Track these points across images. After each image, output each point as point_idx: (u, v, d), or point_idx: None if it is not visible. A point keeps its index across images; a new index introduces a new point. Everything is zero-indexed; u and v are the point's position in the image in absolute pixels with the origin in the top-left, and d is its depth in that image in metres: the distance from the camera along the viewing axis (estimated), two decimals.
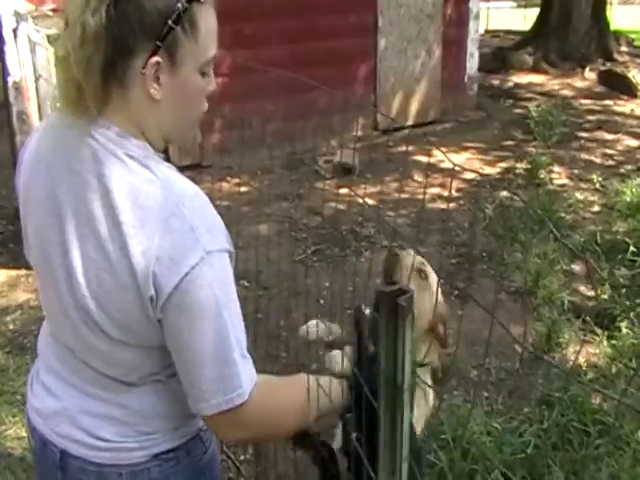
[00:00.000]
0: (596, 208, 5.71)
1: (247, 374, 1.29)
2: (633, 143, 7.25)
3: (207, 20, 1.29)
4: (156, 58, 1.24)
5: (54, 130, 1.40)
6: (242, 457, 3.15)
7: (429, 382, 1.85)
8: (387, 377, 1.05)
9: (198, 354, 1.27)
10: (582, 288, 4.62)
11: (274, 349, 3.76)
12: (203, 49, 1.29)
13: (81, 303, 1.33)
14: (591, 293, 4.54)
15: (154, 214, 1.27)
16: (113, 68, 1.24)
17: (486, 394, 3.67)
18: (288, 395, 1.40)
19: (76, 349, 1.41)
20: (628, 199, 5.54)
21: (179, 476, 1.44)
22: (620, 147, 7.14)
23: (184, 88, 1.30)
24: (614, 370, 3.83)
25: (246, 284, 4.18)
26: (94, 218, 1.30)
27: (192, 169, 5.80)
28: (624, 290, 4.46)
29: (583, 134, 7.43)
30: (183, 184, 1.33)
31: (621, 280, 4.64)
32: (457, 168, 6.41)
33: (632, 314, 4.13)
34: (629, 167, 6.53)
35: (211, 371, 1.27)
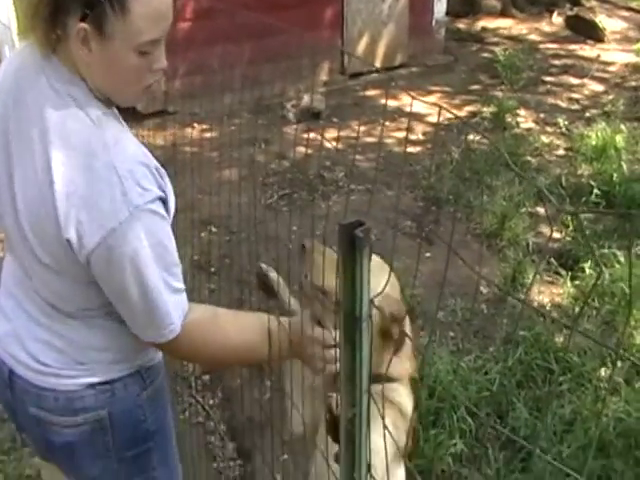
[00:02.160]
0: (561, 152, 5.70)
1: (178, 309, 1.39)
2: (598, 88, 7.21)
3: (146, 3, 1.28)
4: (83, 24, 1.27)
5: (19, 57, 1.46)
6: (211, 401, 3.13)
7: (404, 396, 1.62)
8: (346, 310, 1.02)
9: (127, 301, 1.37)
10: (546, 230, 4.62)
11: (243, 294, 3.72)
12: (137, 31, 1.29)
13: (21, 227, 1.40)
14: (555, 235, 4.55)
15: (83, 159, 1.31)
16: (55, 20, 1.29)
17: (452, 334, 3.68)
18: (229, 328, 1.48)
19: (27, 275, 1.49)
20: (593, 143, 5.53)
21: (114, 407, 1.52)
22: (586, 91, 7.11)
23: (115, 62, 1.33)
24: (577, 310, 3.85)
25: (214, 229, 4.11)
26: (32, 150, 1.35)
27: (158, 116, 5.66)
28: (587, 232, 4.48)
29: (549, 78, 7.37)
30: (117, 134, 1.35)
31: (584, 222, 4.65)
32: (422, 112, 6.36)
33: (596, 255, 4.15)
34: (594, 111, 6.50)
35: (141, 315, 1.39)
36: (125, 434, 1.54)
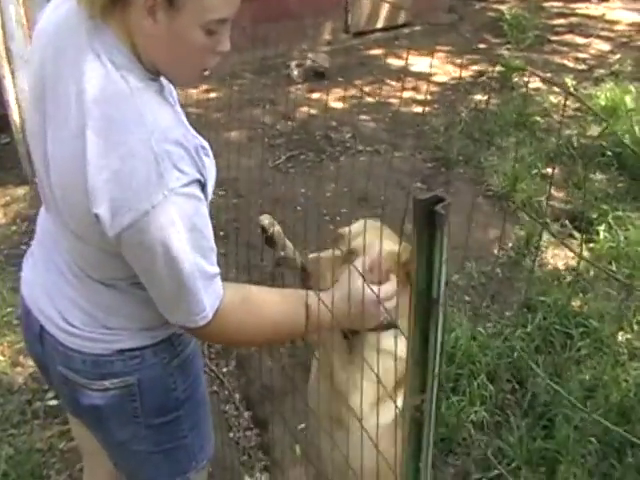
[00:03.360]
0: (570, 112, 5.54)
1: (211, 296, 1.30)
2: (605, 47, 7.03)
3: None
4: None
5: (65, 4, 1.33)
6: (225, 369, 3.02)
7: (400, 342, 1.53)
8: (421, 291, 0.89)
9: (157, 285, 1.29)
10: (558, 193, 4.49)
11: (254, 258, 3.59)
12: (208, 7, 1.20)
13: (52, 188, 1.32)
14: (567, 197, 4.42)
15: (119, 131, 1.20)
16: None
17: (468, 298, 3.57)
18: (263, 309, 1.40)
19: (58, 233, 1.42)
20: (602, 103, 5.36)
21: (143, 374, 1.45)
22: (592, 51, 6.92)
23: (179, 37, 1.23)
24: (592, 273, 3.74)
25: (222, 192, 3.96)
26: (68, 108, 1.24)
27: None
28: (600, 194, 4.34)
29: (555, 37, 7.17)
30: (155, 108, 1.24)
31: (597, 184, 4.51)
32: (428, 71, 6.17)
33: (610, 217, 4.03)
34: (602, 71, 6.32)
35: (172, 300, 1.30)
36: (154, 402, 1.48)
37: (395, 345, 1.23)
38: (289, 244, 1.73)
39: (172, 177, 1.18)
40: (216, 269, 1.30)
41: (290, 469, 2.44)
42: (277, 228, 1.70)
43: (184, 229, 1.21)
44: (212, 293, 1.29)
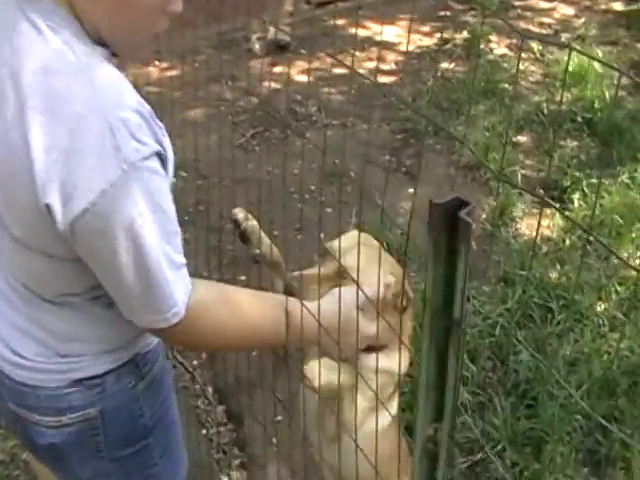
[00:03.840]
0: (538, 77, 5.41)
1: (182, 288, 1.15)
2: (569, 11, 6.90)
3: None
4: None
5: None
6: (195, 362, 2.87)
7: (393, 359, 1.36)
8: (437, 308, 0.75)
9: (121, 281, 1.11)
10: (529, 161, 4.38)
11: (218, 241, 3.43)
12: None
13: None
14: (539, 166, 4.31)
15: (65, 103, 1.03)
16: None
17: None
18: (242, 310, 1.25)
19: (3, 252, 1.25)
20: (570, 68, 5.24)
21: (106, 404, 1.27)
22: (556, 15, 6.79)
23: None
24: (568, 243, 3.65)
25: (184, 174, 3.79)
26: (3, 100, 1.08)
27: (115, 55, 5.22)
28: (573, 162, 4.24)
29: (519, 3, 7.02)
30: (107, 74, 1.08)
31: (568, 151, 4.41)
32: (392, 41, 6.01)
33: (584, 184, 3.92)
34: (567, 35, 6.21)
35: (139, 297, 1.13)
36: (119, 433, 1.32)
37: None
38: (265, 239, 1.58)
39: (131, 149, 1.03)
40: (183, 258, 1.15)
41: (269, 465, 2.31)
42: (252, 222, 1.55)
43: (148, 210, 1.05)
44: (182, 285, 1.14)
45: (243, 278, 3.25)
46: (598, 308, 3.18)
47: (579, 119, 4.61)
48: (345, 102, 5.06)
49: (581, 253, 3.58)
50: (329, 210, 3.83)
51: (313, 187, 4.02)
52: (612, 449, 2.58)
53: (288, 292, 1.45)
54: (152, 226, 1.06)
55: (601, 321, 3.09)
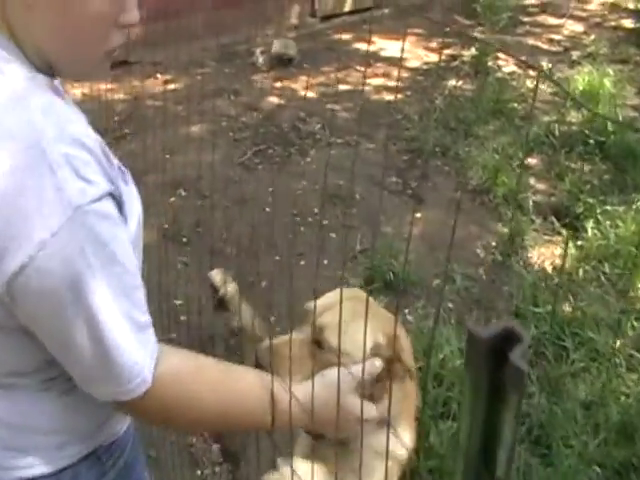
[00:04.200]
0: (548, 97, 5.25)
1: (147, 353, 0.97)
2: (578, 28, 6.76)
3: None
4: None
5: None
6: None
7: (395, 440, 1.17)
8: (470, 460, 0.58)
9: (73, 347, 0.93)
10: (540, 185, 4.21)
11: (219, 264, 3.26)
12: None
13: None
14: (550, 190, 4.15)
15: None
16: None
17: (451, 305, 3.28)
18: (218, 385, 1.07)
19: None
20: (580, 87, 5.09)
21: None
22: (565, 32, 6.65)
23: (68, 8, 0.91)
24: (581, 273, 3.47)
25: (183, 193, 3.62)
26: None
27: (118, 67, 5.06)
28: (587, 186, 4.07)
29: (528, 19, 6.89)
30: (48, 103, 0.90)
31: (580, 175, 4.24)
32: (398, 56, 5.84)
33: (597, 212, 3.76)
34: (577, 53, 6.07)
35: (96, 367, 0.95)
36: None
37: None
38: (246, 308, 1.37)
39: (75, 190, 0.86)
40: (147, 317, 0.98)
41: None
42: (232, 287, 1.36)
43: (99, 263, 0.88)
44: (147, 350, 0.97)
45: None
46: (617, 344, 3.01)
47: (591, 142, 4.45)
48: (349, 120, 4.90)
49: (596, 284, 3.41)
50: (333, 235, 3.66)
51: (316, 209, 3.84)
52: None
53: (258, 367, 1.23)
54: (104, 282, 0.90)
55: (617, 360, 2.92)
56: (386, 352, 1.16)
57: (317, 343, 1.18)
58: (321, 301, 1.21)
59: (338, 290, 1.25)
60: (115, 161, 0.98)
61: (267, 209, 3.79)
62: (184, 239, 3.43)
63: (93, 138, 0.91)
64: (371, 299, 1.26)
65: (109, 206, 0.90)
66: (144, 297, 0.97)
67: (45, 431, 1.04)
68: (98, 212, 0.88)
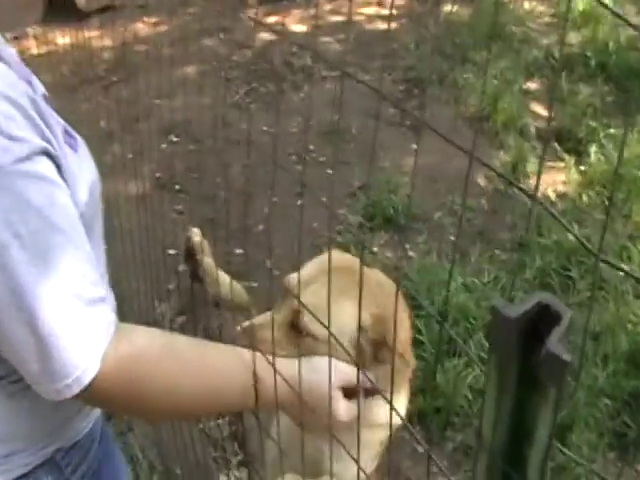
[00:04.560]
0: (546, 19, 5.03)
1: (98, 331, 0.83)
2: None
3: None
4: None
5: None
6: None
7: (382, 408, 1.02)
8: (495, 455, 0.49)
9: (5, 332, 0.81)
10: (541, 109, 4.06)
11: (213, 212, 3.16)
12: None
13: None
14: (551, 114, 3.99)
15: None
16: None
17: (453, 238, 3.18)
18: (193, 365, 0.93)
19: None
20: (580, 7, 4.86)
21: None
22: None
23: None
24: (585, 199, 3.37)
25: (175, 139, 3.49)
26: None
27: (104, 12, 4.84)
28: (587, 109, 3.92)
29: None
30: None
31: (582, 98, 4.08)
32: None
33: (601, 135, 3.62)
34: None
35: (35, 354, 0.81)
36: None
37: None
38: (224, 277, 1.26)
39: None
40: (99, 291, 0.85)
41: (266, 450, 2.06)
42: (208, 258, 1.25)
43: (30, 231, 0.78)
44: (99, 326, 0.84)
45: (239, 251, 3.00)
46: (621, 273, 2.91)
47: (592, 63, 4.27)
48: (343, 52, 4.71)
49: (601, 209, 3.30)
50: (330, 172, 3.54)
51: (312, 147, 3.71)
52: None
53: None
54: (37, 254, 0.79)
55: (624, 288, 2.83)
56: (373, 335, 1.02)
57: (295, 328, 1.04)
58: (302, 273, 1.04)
59: (322, 258, 1.11)
60: (60, 124, 0.86)
61: (262, 149, 3.66)
62: (177, 187, 3.32)
63: (21, 92, 0.80)
64: (353, 259, 1.13)
65: (42, 166, 0.80)
66: (94, 268, 0.85)
67: None
68: (27, 173, 0.77)
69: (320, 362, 0.97)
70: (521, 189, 0.62)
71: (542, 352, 0.44)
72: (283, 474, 1.02)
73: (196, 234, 1.25)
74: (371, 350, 1.03)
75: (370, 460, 1.09)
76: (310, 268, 1.08)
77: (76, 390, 0.83)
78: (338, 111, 3.79)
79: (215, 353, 0.95)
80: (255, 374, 0.91)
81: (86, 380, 0.82)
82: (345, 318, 0.98)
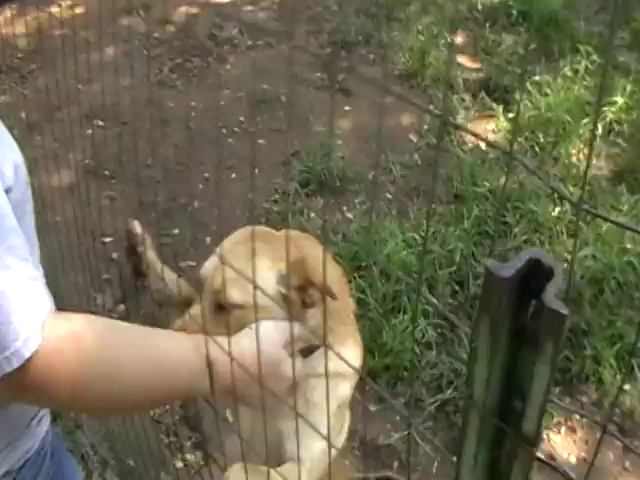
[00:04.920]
0: None
1: (30, 308, 0.77)
2: None
3: None
4: None
5: None
6: None
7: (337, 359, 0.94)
8: (487, 411, 0.48)
9: None
10: (467, 62, 4.06)
11: (146, 195, 3.09)
12: None
13: None
14: (477, 65, 4.00)
15: None
16: None
17: (389, 196, 3.18)
18: (137, 350, 0.87)
19: None
20: None
21: None
22: None
23: None
24: (516, 146, 3.38)
25: (100, 123, 3.39)
26: None
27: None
28: (512, 59, 3.94)
29: None
30: None
31: (505, 47, 4.10)
32: None
33: (528, 83, 3.63)
34: None
35: None
36: None
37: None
38: (169, 274, 1.21)
39: None
40: (30, 268, 0.80)
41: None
42: (151, 252, 1.21)
43: None
44: (40, 298, 0.80)
45: (176, 231, 2.95)
46: (554, 214, 2.96)
47: (514, 12, 4.28)
48: (268, 19, 4.63)
49: (532, 154, 3.33)
50: (262, 142, 3.50)
51: (243, 118, 3.66)
52: (584, 365, 2.41)
53: None
54: None
55: (558, 228, 2.87)
56: (296, 281, 1.00)
57: (221, 308, 1.01)
58: (210, 261, 1.05)
59: (231, 236, 1.09)
60: None
61: (191, 125, 3.60)
62: (107, 172, 3.24)
63: None
64: (265, 228, 1.13)
65: None
66: (23, 244, 0.80)
67: None
68: None
69: (256, 329, 0.93)
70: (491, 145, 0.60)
71: (535, 307, 0.43)
72: (244, 464, 0.98)
73: (136, 227, 1.20)
74: (299, 297, 1.01)
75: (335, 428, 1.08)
76: (221, 248, 1.06)
77: (15, 364, 0.76)
78: (268, 79, 3.75)
79: (161, 334, 0.91)
80: (208, 357, 0.86)
81: (26, 352, 0.76)
82: (264, 274, 0.98)
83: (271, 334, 0.91)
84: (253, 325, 0.94)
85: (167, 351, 0.88)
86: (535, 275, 0.45)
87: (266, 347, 0.89)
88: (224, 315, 0.99)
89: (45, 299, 0.80)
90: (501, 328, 0.46)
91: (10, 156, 0.87)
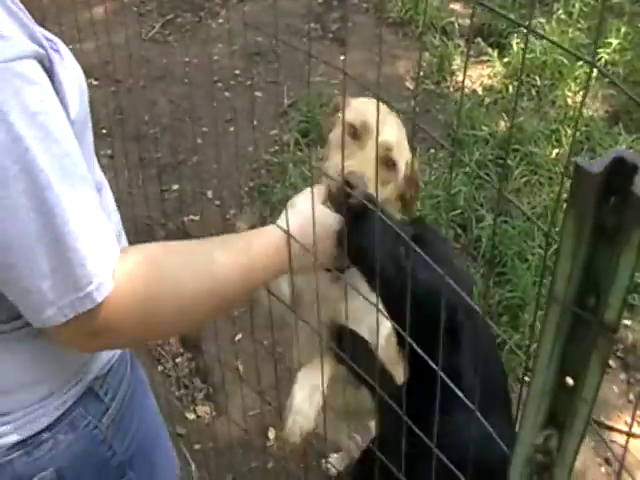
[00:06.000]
0: None
1: (105, 243, 0.75)
2: None
3: None
4: None
5: None
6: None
7: None
8: (567, 302, 0.51)
9: (19, 243, 0.71)
10: (462, 8, 3.98)
11: (145, 152, 3.05)
12: None
13: None
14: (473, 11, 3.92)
15: None
16: None
17: None
18: (188, 267, 0.83)
19: None
20: None
21: (63, 459, 0.89)
22: None
23: None
24: (511, 90, 3.34)
25: (95, 82, 3.32)
26: None
27: None
28: (507, 3, 3.86)
29: None
30: None
31: None
32: None
33: (522, 27, 3.56)
34: None
35: (49, 268, 0.72)
36: None
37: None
38: None
39: None
40: (102, 214, 0.77)
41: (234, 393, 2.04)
42: None
43: (28, 132, 0.69)
44: (111, 238, 0.77)
45: (176, 187, 2.92)
46: (553, 155, 2.93)
47: None
48: None
49: (528, 96, 3.28)
50: (259, 94, 3.44)
51: (238, 71, 3.59)
52: None
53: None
54: (44, 152, 0.70)
55: (557, 169, 2.85)
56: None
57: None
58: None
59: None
60: (38, 29, 0.75)
61: (186, 81, 3.53)
62: (104, 130, 3.18)
63: None
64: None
65: (34, 71, 0.70)
66: (94, 189, 0.78)
67: (28, 386, 0.87)
68: (19, 74, 0.68)
69: (295, 199, 1.03)
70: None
71: (615, 203, 0.46)
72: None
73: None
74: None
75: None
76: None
77: (90, 306, 0.74)
78: (261, 32, 3.67)
79: (222, 237, 0.93)
80: (288, 230, 0.91)
81: (98, 297, 0.74)
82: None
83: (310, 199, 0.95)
84: (291, 201, 1.02)
85: (237, 245, 0.91)
86: (617, 172, 0.45)
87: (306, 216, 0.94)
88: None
89: (114, 240, 0.78)
90: (586, 223, 0.48)
91: (74, 83, 0.81)
